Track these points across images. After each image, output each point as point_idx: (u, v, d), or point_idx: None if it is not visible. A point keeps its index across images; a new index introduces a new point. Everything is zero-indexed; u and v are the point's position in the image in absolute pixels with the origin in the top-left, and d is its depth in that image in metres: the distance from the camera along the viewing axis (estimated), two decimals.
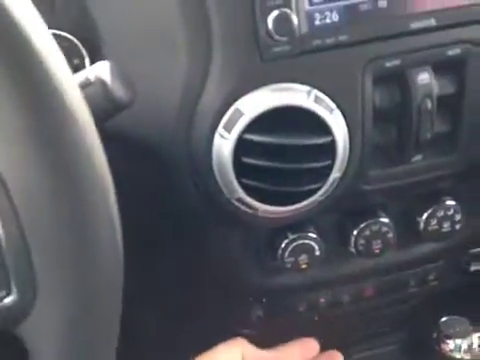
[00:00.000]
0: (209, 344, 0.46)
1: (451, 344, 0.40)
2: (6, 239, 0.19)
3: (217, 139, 0.31)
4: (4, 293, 0.19)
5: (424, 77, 0.32)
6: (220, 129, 0.31)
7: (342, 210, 0.43)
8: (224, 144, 0.31)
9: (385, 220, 0.42)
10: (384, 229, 0.42)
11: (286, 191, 0.31)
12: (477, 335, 0.39)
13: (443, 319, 0.42)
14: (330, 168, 0.31)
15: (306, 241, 0.42)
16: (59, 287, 0.19)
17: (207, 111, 0.31)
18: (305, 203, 0.33)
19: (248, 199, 0.32)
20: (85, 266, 0.19)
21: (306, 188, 0.31)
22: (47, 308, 0.19)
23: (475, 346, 0.39)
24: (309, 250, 0.42)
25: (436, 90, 0.32)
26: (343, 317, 0.49)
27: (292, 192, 0.31)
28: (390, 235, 0.43)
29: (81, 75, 0.26)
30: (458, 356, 0.39)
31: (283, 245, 0.41)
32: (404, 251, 0.46)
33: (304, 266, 0.42)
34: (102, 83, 0.25)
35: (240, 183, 0.31)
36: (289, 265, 0.42)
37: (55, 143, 0.19)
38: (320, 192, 0.32)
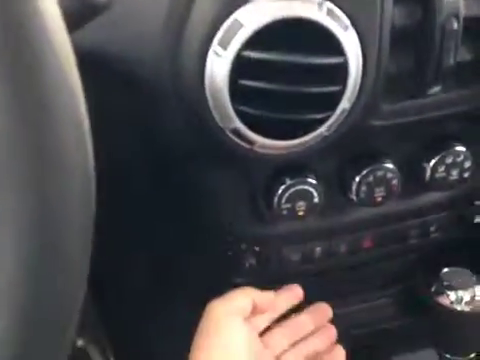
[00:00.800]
0: (203, 293, 0.43)
1: (452, 295, 0.38)
2: None
3: (211, 57, 0.26)
4: None
5: None
6: (214, 45, 0.26)
7: (344, 153, 0.39)
8: (219, 63, 0.26)
9: (390, 166, 0.39)
10: (389, 175, 0.39)
11: (288, 120, 0.27)
12: (479, 287, 0.38)
13: (444, 270, 0.40)
14: (340, 95, 0.27)
15: (305, 187, 0.38)
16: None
17: (199, 23, 0.26)
18: (308, 137, 0.29)
19: (245, 130, 0.28)
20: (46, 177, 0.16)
21: (311, 117, 0.27)
22: None
23: (478, 298, 0.37)
24: (307, 197, 0.39)
25: (463, 10, 0.28)
26: (339, 269, 0.47)
27: (295, 121, 0.28)
28: (394, 182, 0.39)
29: None
30: (458, 308, 0.37)
31: (280, 191, 0.38)
32: (407, 200, 0.43)
33: (301, 213, 0.40)
34: None
35: (236, 110, 0.27)
36: (285, 212, 0.39)
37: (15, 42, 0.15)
38: (326, 124, 0.29)
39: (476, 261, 0.43)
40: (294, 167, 0.39)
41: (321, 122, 0.28)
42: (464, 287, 0.38)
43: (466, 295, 0.38)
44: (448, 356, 0.40)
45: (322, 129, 0.29)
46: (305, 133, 0.29)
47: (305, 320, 0.43)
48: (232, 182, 0.39)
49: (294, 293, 0.44)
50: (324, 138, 0.30)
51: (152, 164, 0.39)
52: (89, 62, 0.30)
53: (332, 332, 0.44)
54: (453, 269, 0.40)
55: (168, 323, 0.49)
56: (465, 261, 0.44)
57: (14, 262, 0.16)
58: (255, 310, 0.40)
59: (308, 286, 0.54)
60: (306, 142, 0.30)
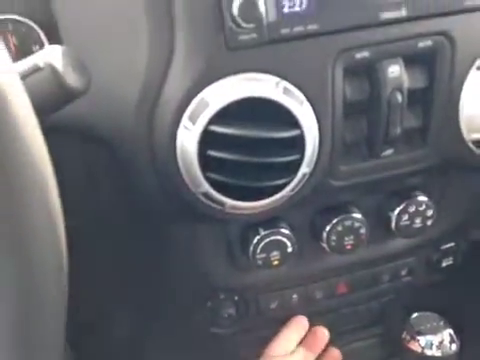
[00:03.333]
0: (181, 344, 0.44)
1: (422, 341, 0.40)
2: None
3: (181, 131, 0.29)
4: None
5: (394, 69, 0.31)
6: (184, 120, 0.29)
7: (313, 206, 0.42)
8: (189, 136, 0.29)
9: (357, 216, 0.41)
10: (356, 225, 0.42)
11: (253, 186, 0.30)
12: (448, 331, 0.39)
13: (414, 315, 0.42)
14: (299, 163, 0.30)
15: (278, 237, 0.41)
16: None
17: (170, 101, 0.29)
18: (273, 199, 0.32)
19: (215, 194, 0.31)
20: (22, 267, 0.18)
21: (274, 183, 0.30)
22: None
23: (446, 342, 0.39)
24: (281, 246, 0.41)
25: (406, 83, 0.32)
26: (316, 314, 0.49)
27: (260, 187, 0.30)
28: (362, 231, 0.42)
29: (30, 60, 0.24)
30: (429, 353, 0.39)
31: (255, 241, 0.40)
32: (376, 247, 0.46)
33: (276, 263, 0.42)
34: (52, 69, 0.23)
35: (206, 177, 0.30)
36: (261, 262, 0.41)
37: None
38: (288, 187, 0.31)
39: (445, 304, 0.45)
40: (268, 218, 0.41)
41: (284, 186, 0.31)
42: (433, 332, 0.40)
43: (435, 340, 0.39)
44: None
45: (285, 192, 0.32)
46: (270, 196, 0.31)
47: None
48: (208, 235, 0.41)
49: (302, 325, 0.47)
50: (289, 198, 0.33)
51: (130, 216, 0.41)
52: (72, 125, 0.33)
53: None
54: (422, 314, 0.42)
55: None
56: (436, 304, 0.46)
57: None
58: None
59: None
60: (273, 202, 0.32)
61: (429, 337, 0.39)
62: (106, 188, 0.39)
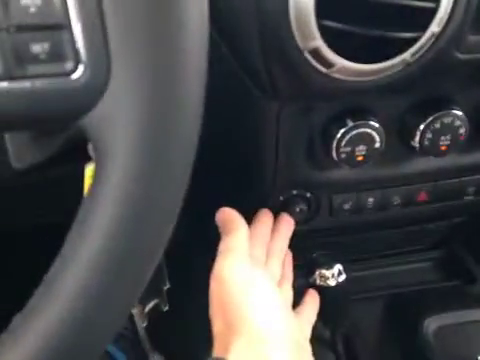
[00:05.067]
0: None
1: None
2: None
3: None
4: (71, 66, 0.15)
5: None
6: None
7: (411, 97, 0.38)
8: None
9: (458, 113, 0.37)
10: (457, 123, 0.37)
11: (374, 38, 0.26)
12: None
13: None
14: (432, 14, 0.26)
15: (367, 130, 0.37)
16: (135, 70, 0.15)
17: None
18: (390, 63, 0.28)
19: (325, 49, 0.27)
20: (166, 51, 0.15)
21: (399, 35, 0.26)
22: (120, 98, 0.15)
23: None
24: (368, 140, 0.38)
25: None
26: (389, 223, 0.46)
27: (380, 40, 0.26)
28: (462, 130, 0.38)
29: None
30: None
31: (340, 134, 0.37)
32: (470, 153, 0.42)
33: (360, 158, 0.38)
34: None
35: (320, 26, 0.26)
36: (344, 156, 0.38)
37: None
38: (412, 48, 0.27)
39: None
40: (356, 109, 0.37)
41: (408, 44, 0.27)
42: None
43: None
44: None
45: (407, 54, 0.27)
46: (388, 57, 0.27)
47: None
48: (291, 122, 0.38)
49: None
50: (406, 66, 0.29)
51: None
52: None
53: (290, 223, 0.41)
54: None
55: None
56: None
57: None
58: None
59: (353, 243, 0.54)
60: (387, 68, 0.28)
61: None
62: None
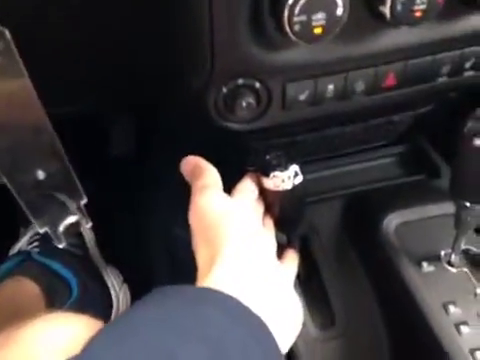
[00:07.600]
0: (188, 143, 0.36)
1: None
2: None
3: None
4: None
5: None
6: None
7: None
8: None
9: None
10: None
11: None
12: None
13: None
14: None
15: None
16: None
17: None
18: None
19: None
20: None
21: None
22: None
23: None
24: (328, 6, 0.30)
25: None
26: (351, 115, 0.41)
27: None
28: None
29: None
30: None
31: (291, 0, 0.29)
32: (446, 25, 0.35)
33: (318, 30, 0.30)
34: None
35: None
36: (298, 27, 0.30)
37: None
38: None
39: None
40: None
41: None
42: None
43: None
44: (467, 204, 0.36)
45: None
46: None
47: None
48: None
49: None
50: None
51: None
52: None
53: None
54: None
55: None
56: None
57: None
58: None
59: (310, 141, 0.49)
60: None
61: None
62: None
